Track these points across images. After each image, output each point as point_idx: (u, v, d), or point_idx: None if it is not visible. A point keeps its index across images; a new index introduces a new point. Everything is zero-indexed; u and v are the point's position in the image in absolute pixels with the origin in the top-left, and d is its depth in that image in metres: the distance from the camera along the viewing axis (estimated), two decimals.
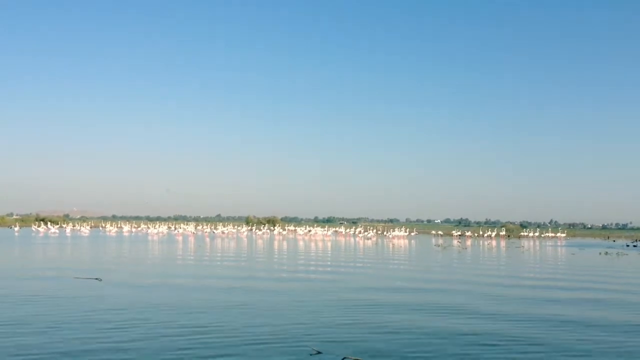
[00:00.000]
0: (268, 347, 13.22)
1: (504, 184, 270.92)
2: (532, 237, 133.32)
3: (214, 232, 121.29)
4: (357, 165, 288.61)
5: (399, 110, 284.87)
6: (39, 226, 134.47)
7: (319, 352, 12.86)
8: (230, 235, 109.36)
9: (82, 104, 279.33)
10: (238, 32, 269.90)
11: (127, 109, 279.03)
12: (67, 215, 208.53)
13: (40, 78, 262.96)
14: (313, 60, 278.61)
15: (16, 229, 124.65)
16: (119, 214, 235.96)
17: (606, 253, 65.88)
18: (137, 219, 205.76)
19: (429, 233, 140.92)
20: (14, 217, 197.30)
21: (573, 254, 64.63)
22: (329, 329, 15.51)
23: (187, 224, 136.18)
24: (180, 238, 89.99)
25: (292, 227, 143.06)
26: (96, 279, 25.87)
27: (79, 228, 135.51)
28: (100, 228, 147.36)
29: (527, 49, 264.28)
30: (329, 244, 78.47)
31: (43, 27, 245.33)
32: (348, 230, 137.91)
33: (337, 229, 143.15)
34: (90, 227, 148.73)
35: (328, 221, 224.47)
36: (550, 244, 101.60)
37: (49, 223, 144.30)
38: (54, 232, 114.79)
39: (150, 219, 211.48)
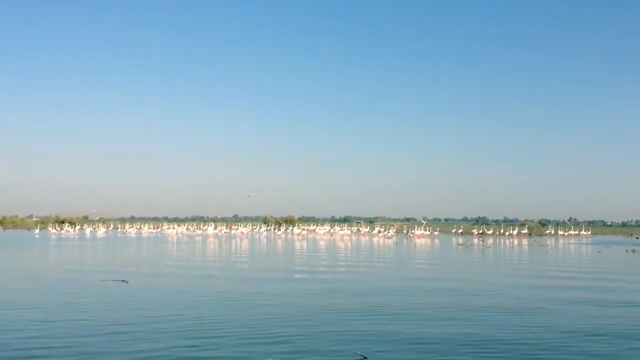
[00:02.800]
0: (310, 353, 12.66)
1: (522, 181, 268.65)
2: (554, 235, 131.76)
3: (233, 232, 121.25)
4: (372, 163, 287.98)
5: (413, 108, 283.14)
6: (54, 228, 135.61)
7: (364, 358, 12.26)
8: (248, 236, 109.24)
9: (98, 105, 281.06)
10: (252, 33, 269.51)
11: (143, 110, 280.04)
12: (86, 217, 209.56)
13: (59, 78, 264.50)
14: (325, 60, 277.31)
15: (36, 231, 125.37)
16: (137, 215, 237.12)
17: (633, 251, 64.63)
18: (155, 220, 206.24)
19: (448, 232, 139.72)
20: (34, 219, 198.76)
21: (599, 252, 63.53)
22: (372, 332, 14.86)
23: (206, 225, 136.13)
24: (199, 239, 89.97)
25: (312, 227, 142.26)
26: (122, 281, 25.50)
27: (97, 230, 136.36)
28: (119, 229, 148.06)
29: (542, 46, 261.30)
30: (350, 243, 77.91)
31: (59, 27, 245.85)
32: (367, 229, 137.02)
33: (358, 228, 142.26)
34: (111, 229, 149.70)
35: (345, 220, 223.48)
36: (573, 241, 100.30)
37: (68, 225, 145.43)
38: (74, 234, 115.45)
39: (168, 220, 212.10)
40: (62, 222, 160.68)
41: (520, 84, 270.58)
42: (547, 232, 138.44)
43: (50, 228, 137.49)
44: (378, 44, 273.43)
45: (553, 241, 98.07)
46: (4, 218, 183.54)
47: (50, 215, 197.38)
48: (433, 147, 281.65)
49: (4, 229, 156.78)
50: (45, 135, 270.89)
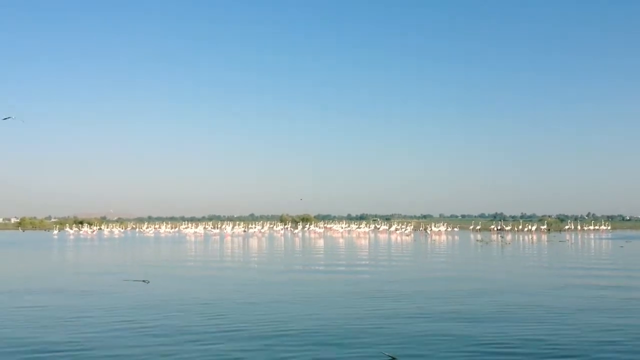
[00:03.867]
0: (338, 352, 12.37)
1: (538, 177, 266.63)
2: (574, 230, 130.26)
3: (250, 231, 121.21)
4: (388, 161, 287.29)
5: (425, 107, 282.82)
6: (71, 228, 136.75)
7: (393, 358, 11.94)
8: (266, 235, 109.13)
9: (115, 110, 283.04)
10: (253, 34, 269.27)
11: (157, 112, 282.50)
12: (104, 218, 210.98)
13: (76, 85, 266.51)
14: (333, 59, 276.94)
15: (55, 232, 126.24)
16: (154, 215, 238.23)
17: None
18: (172, 219, 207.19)
19: (466, 228, 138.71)
20: (53, 220, 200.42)
21: (621, 246, 62.52)
22: (400, 332, 14.47)
23: (223, 224, 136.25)
24: (217, 238, 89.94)
25: (329, 225, 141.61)
26: (143, 281, 25.35)
27: (112, 230, 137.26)
28: (137, 229, 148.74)
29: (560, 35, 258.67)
30: (366, 241, 77.34)
31: (60, 31, 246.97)
32: (386, 227, 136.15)
33: (376, 225, 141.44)
34: (129, 229, 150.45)
35: (361, 218, 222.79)
36: (592, 236, 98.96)
37: (87, 225, 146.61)
38: (92, 235, 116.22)
39: (184, 220, 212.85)
40: (81, 222, 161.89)
41: (535, 82, 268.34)
42: (567, 227, 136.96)
43: (67, 229, 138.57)
44: (384, 45, 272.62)
45: (572, 236, 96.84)
46: (23, 219, 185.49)
47: (68, 216, 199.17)
48: (449, 145, 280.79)
49: (24, 230, 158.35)
50: (63, 139, 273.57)
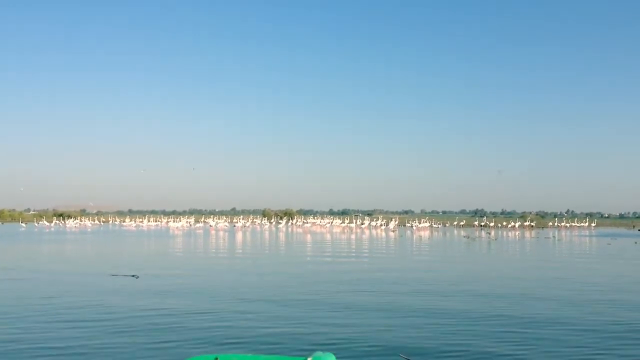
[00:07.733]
0: (353, 352, 11.66)
1: (519, 173, 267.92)
2: (557, 226, 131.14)
3: (234, 225, 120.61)
4: (369, 157, 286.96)
5: (408, 102, 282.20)
6: (47, 221, 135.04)
7: None
8: (249, 229, 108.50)
9: (96, 101, 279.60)
10: (247, 27, 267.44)
11: (137, 104, 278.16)
12: (83, 210, 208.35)
13: (59, 75, 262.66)
14: (322, 54, 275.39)
15: (36, 224, 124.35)
16: (135, 208, 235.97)
17: None
18: (154, 212, 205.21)
19: (450, 224, 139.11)
20: (31, 212, 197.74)
21: (608, 244, 62.62)
22: (414, 333, 13.75)
23: (207, 218, 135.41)
24: (201, 232, 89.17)
25: (313, 220, 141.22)
26: (132, 275, 24.49)
27: (90, 223, 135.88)
28: (118, 222, 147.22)
29: (539, 40, 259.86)
30: (353, 236, 76.91)
31: (50, 25, 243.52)
32: (373, 222, 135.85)
33: (361, 221, 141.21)
34: (112, 222, 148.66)
35: (343, 213, 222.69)
36: (576, 233, 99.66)
37: (73, 218, 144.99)
38: (73, 227, 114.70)
39: (166, 213, 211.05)
40: (60, 215, 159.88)
41: (515, 78, 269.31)
42: (550, 224, 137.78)
43: (43, 221, 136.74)
44: (376, 37, 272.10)
45: (556, 233, 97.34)
46: (2, 212, 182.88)
47: (47, 209, 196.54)
48: (429, 141, 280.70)
49: (3, 223, 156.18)
50: (43, 129, 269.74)
